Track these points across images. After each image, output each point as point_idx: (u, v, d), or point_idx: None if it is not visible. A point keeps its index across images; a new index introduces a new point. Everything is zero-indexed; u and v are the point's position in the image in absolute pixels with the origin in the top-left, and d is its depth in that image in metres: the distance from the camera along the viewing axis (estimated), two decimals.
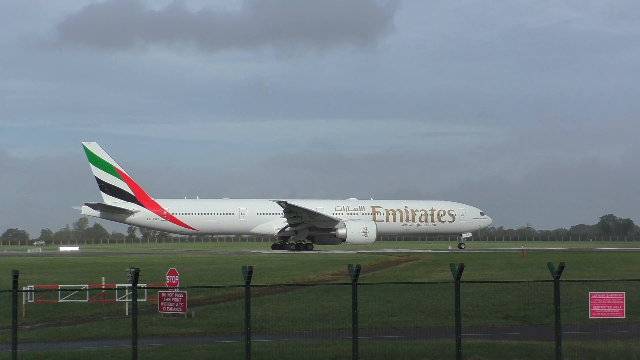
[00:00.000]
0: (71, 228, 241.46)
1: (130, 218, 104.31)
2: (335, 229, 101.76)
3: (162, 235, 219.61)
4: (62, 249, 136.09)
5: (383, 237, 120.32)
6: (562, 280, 21.48)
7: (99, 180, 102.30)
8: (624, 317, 21.79)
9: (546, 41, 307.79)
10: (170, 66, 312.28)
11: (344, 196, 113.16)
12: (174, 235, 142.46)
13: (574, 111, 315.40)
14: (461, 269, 20.96)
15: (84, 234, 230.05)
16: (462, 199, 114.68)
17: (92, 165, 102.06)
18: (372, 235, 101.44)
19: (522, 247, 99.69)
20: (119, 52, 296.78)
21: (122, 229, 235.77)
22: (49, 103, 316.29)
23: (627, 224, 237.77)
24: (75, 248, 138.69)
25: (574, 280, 34.57)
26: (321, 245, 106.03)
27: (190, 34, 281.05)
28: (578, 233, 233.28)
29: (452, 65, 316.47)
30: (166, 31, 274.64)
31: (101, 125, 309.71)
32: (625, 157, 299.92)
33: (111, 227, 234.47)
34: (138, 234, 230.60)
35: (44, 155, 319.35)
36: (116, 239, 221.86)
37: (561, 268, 21.26)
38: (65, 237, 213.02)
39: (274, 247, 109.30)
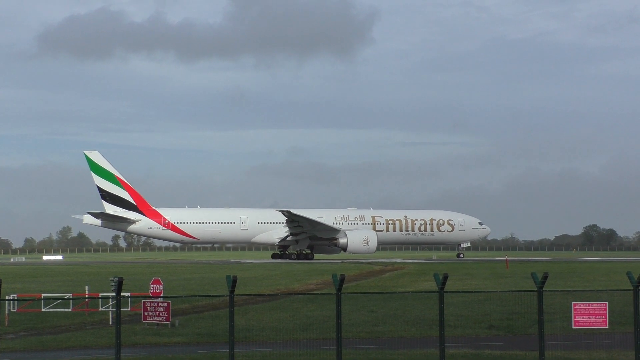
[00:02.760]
0: (55, 237, 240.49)
1: (131, 227, 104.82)
2: (336, 239, 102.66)
3: (146, 244, 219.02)
4: (46, 257, 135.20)
5: (383, 246, 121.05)
6: (545, 290, 21.50)
7: (100, 189, 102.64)
8: (607, 327, 21.83)
9: (526, 52, 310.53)
10: (151, 76, 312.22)
11: (326, 205, 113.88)
12: (174, 244, 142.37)
13: (553, 122, 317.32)
14: (445, 278, 20.96)
15: (68, 243, 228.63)
16: (443, 208, 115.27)
17: (93, 174, 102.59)
18: (373, 244, 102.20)
19: (506, 257, 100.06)
20: (99, 63, 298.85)
21: (106, 238, 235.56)
22: (31, 112, 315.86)
23: (611, 234, 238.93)
24: (59, 257, 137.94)
25: (558, 290, 34.54)
26: (321, 254, 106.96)
27: (170, 44, 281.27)
28: (562, 243, 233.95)
29: (434, 76, 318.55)
30: (147, 42, 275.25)
31: (84, 134, 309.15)
32: (604, 168, 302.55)
33: (95, 236, 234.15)
34: (122, 243, 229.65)
35: (26, 164, 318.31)
36: (100, 248, 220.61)
37: (545, 278, 21.30)
38: (48, 246, 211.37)
39: (274, 256, 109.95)
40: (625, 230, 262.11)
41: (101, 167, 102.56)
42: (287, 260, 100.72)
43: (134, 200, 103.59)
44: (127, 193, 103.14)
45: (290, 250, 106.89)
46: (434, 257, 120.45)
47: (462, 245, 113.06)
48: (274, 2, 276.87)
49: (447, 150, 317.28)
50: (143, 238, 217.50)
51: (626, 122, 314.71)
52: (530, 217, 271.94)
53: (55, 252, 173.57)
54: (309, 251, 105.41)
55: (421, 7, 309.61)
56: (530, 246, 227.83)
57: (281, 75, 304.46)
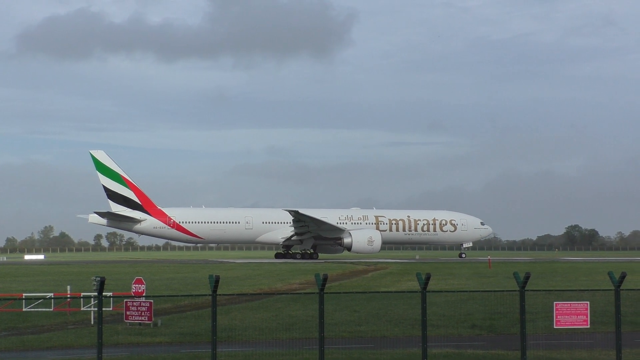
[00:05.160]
0: (36, 236, 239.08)
1: (137, 226, 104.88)
2: (341, 238, 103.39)
3: (129, 243, 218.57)
4: (27, 257, 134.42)
5: (386, 246, 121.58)
6: (527, 290, 21.57)
7: (106, 189, 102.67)
8: (589, 326, 21.88)
9: (507, 53, 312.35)
10: (132, 76, 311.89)
11: (308, 205, 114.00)
12: (179, 244, 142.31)
13: (531, 122, 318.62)
14: (428, 278, 20.98)
15: (50, 242, 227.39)
16: (423, 209, 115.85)
17: (99, 174, 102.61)
18: (377, 244, 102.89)
19: (489, 257, 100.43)
20: (78, 63, 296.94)
21: (88, 237, 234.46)
22: (12, 111, 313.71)
23: (592, 235, 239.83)
24: (41, 256, 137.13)
25: (540, 290, 34.70)
26: (325, 254, 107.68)
27: (150, 45, 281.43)
28: (544, 243, 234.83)
29: (415, 76, 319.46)
30: (126, 42, 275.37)
31: (66, 133, 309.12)
32: (582, 169, 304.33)
33: (77, 235, 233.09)
34: (105, 243, 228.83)
35: (8, 163, 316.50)
36: (82, 247, 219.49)
37: (527, 278, 21.38)
38: (30, 246, 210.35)
39: (277, 255, 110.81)
40: (606, 231, 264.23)
41: (107, 166, 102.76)
42: (291, 260, 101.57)
43: (139, 200, 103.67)
44: (132, 192, 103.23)
45: (294, 250, 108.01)
46: (417, 257, 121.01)
47: (464, 245, 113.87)
48: (253, 4, 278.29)
49: (428, 150, 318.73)
50: (126, 237, 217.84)
51: (604, 123, 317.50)
52: (511, 217, 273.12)
53: (37, 252, 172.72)
54: (313, 251, 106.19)
55: (403, 8, 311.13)
56: (512, 246, 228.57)
57: (260, 76, 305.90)
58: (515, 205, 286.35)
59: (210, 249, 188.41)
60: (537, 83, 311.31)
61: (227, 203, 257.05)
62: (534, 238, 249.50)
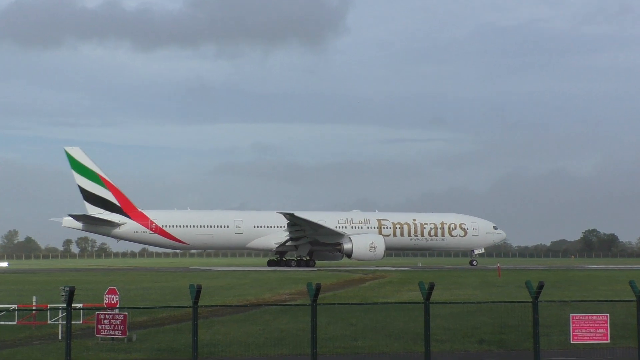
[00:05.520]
0: None
1: (116, 231, 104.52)
2: (340, 244, 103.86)
3: (102, 249, 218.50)
4: None
5: (389, 252, 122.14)
6: (541, 301, 21.58)
7: (82, 190, 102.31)
8: (609, 341, 21.89)
9: (516, 41, 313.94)
10: (106, 66, 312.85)
11: (300, 207, 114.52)
12: (161, 249, 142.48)
13: (543, 117, 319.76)
14: (431, 288, 20.99)
15: (14, 248, 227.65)
16: (424, 211, 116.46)
17: (75, 173, 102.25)
18: (380, 250, 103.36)
19: (498, 265, 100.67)
20: (48, 52, 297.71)
21: (56, 242, 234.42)
22: None
23: (612, 240, 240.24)
24: (4, 264, 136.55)
25: (554, 301, 34.73)
26: (322, 261, 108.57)
27: (126, 32, 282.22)
28: (559, 249, 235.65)
29: (416, 67, 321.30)
30: (99, 29, 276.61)
31: (34, 129, 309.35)
32: (596, 168, 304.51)
33: (44, 240, 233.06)
34: (75, 249, 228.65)
35: None
36: (50, 254, 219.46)
37: (540, 287, 21.37)
38: None
39: (270, 263, 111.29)
40: (627, 236, 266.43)
41: (83, 165, 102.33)
42: (285, 268, 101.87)
43: (118, 201, 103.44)
44: (110, 193, 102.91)
45: (289, 256, 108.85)
46: (420, 265, 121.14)
47: (476, 252, 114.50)
48: None
49: (429, 147, 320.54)
50: (98, 243, 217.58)
51: (622, 118, 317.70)
52: (523, 221, 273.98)
53: (0, 259, 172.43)
54: (309, 258, 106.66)
55: None
56: (524, 252, 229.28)
57: (246, 66, 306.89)
58: (527, 207, 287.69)
59: (192, 255, 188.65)
60: (548, 74, 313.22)
61: (212, 205, 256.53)
62: (548, 244, 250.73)
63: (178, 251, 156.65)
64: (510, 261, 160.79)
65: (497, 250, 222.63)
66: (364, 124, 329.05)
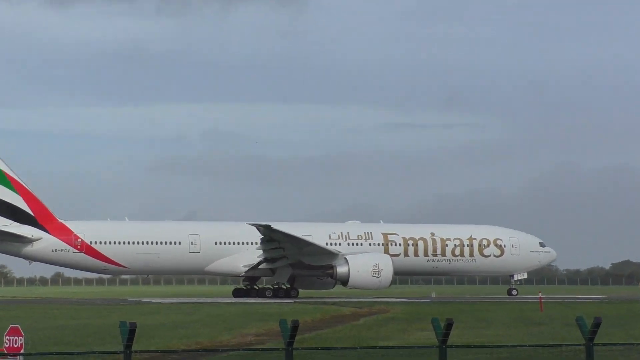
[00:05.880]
0: None
1: (27, 249, 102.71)
2: (332, 267, 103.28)
3: (1, 274, 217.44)
4: None
5: (399, 278, 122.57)
6: (597, 344, 21.62)
7: None
8: None
9: None
10: (8, 26, 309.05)
11: (274, 217, 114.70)
12: (87, 274, 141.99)
13: (597, 96, 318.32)
14: (449, 326, 21.03)
15: None
16: (438, 220, 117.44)
17: None
18: (387, 275, 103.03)
19: (540, 294, 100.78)
20: None
21: None
22: None
23: None
24: None
25: (616, 344, 34.74)
26: (308, 290, 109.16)
27: None
28: (621, 273, 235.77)
29: (426, 27, 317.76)
30: None
31: None
32: None
33: None
34: None
35: None
36: None
37: (596, 326, 21.47)
38: None
39: (237, 293, 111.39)
40: None
41: None
42: (257, 300, 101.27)
43: (31, 210, 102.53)
44: (20, 198, 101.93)
45: (265, 284, 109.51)
46: (433, 294, 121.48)
47: (516, 277, 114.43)
48: None
49: (445, 136, 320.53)
50: None
51: None
52: (573, 235, 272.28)
53: None
54: (290, 286, 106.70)
55: None
56: (575, 278, 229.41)
57: (198, 26, 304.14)
58: (578, 217, 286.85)
59: (124, 282, 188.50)
60: (606, 37, 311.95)
61: (157, 213, 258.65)
62: (607, 266, 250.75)
63: (106, 276, 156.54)
64: (556, 290, 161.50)
65: (538, 275, 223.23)
66: (357, 105, 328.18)
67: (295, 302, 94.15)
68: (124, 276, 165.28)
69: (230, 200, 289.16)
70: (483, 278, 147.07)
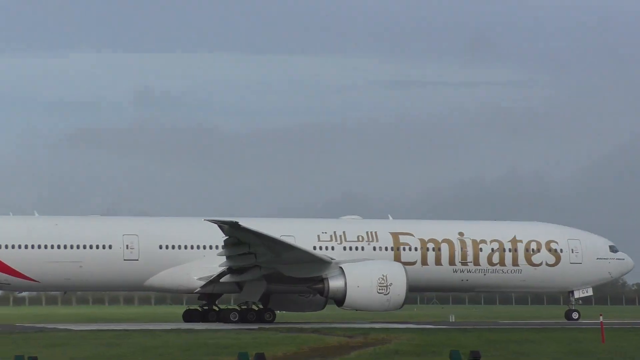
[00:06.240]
0: None
1: None
2: (322, 280, 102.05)
3: None
4: None
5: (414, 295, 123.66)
6: None
7: None
8: None
9: None
10: None
11: (240, 211, 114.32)
12: None
13: None
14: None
15: None
16: (466, 214, 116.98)
17: None
18: (398, 290, 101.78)
19: (601, 317, 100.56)
20: None
21: None
22: None
23: None
24: None
25: None
26: (288, 312, 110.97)
27: None
28: None
29: None
30: None
31: None
32: None
33: None
34: None
35: None
36: None
37: None
38: None
39: (189, 316, 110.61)
40: None
41: None
42: (218, 326, 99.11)
43: None
44: None
45: (225, 304, 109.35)
46: (452, 319, 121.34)
47: (577, 295, 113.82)
48: None
49: (469, 97, 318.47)
50: None
51: None
52: None
53: None
54: (263, 306, 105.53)
55: None
56: None
57: None
58: None
59: (36, 302, 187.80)
60: None
61: (70, 205, 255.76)
62: None
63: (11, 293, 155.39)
64: (622, 311, 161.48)
65: (600, 292, 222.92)
66: (347, 54, 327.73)
67: (260, 328, 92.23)
68: (34, 293, 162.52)
69: (177, 188, 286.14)
70: (535, 295, 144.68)
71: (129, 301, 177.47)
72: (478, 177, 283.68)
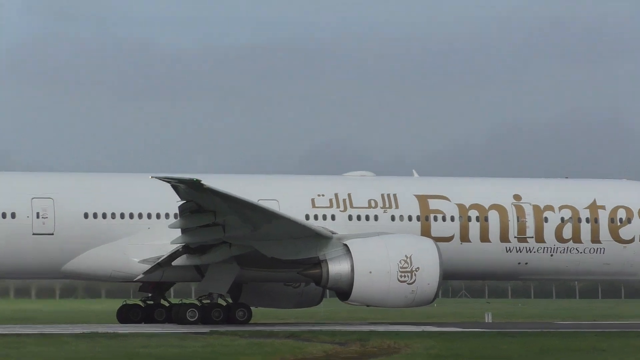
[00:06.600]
0: None
1: None
2: (319, 262, 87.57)
3: None
4: None
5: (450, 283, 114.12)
6: None
7: None
8: None
9: None
10: None
11: (197, 166, 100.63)
12: None
13: None
14: None
15: None
16: (518, 170, 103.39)
17: None
18: (428, 278, 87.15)
19: None
20: None
21: None
22: None
23: None
24: None
25: None
26: (269, 309, 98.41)
27: None
28: None
29: None
30: None
31: None
32: None
33: None
34: None
35: None
36: None
37: None
38: None
39: (125, 314, 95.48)
40: None
41: None
42: (166, 328, 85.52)
43: None
44: None
45: (178, 297, 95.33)
46: (488, 319, 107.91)
47: None
48: None
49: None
50: None
51: None
52: None
53: None
54: (233, 300, 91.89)
55: None
56: None
57: None
58: None
59: None
60: None
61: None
62: None
63: None
64: None
65: None
66: None
67: (212, 331, 78.49)
68: None
69: (101, 129, 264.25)
70: (608, 286, 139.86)
71: (47, 292, 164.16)
72: (536, 116, 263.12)
